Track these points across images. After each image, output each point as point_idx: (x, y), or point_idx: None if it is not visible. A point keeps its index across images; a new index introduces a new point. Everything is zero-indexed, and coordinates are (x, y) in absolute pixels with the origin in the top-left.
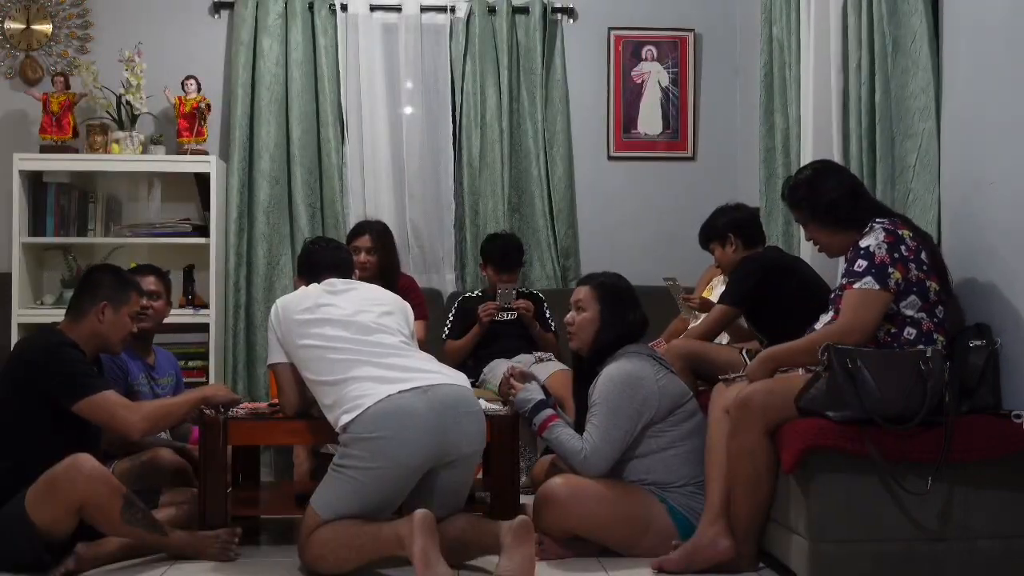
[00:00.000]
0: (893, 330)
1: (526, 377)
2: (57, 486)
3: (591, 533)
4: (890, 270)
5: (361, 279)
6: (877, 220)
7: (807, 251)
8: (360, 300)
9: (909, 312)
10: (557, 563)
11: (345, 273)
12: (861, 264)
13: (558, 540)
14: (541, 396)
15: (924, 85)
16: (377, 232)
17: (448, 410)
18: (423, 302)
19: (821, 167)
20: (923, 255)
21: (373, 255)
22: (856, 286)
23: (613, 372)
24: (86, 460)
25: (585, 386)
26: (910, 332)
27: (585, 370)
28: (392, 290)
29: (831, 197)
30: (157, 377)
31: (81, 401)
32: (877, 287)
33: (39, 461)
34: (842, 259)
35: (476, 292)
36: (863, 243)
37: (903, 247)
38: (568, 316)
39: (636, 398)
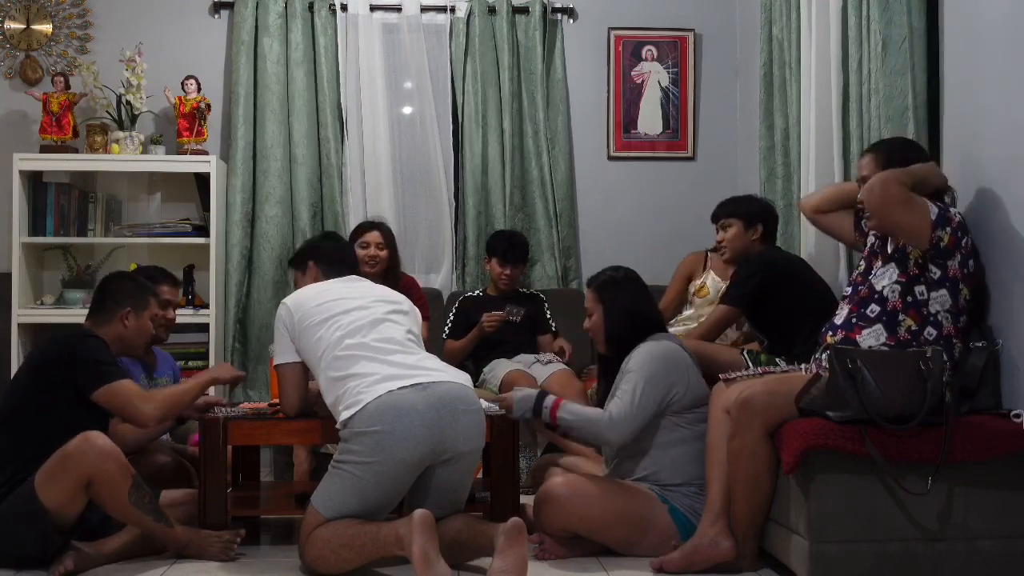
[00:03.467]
0: (914, 327)
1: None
2: (69, 460)
3: (591, 533)
4: (948, 229)
5: (369, 275)
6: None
7: (807, 252)
8: (372, 297)
9: (935, 308)
10: (557, 563)
11: (355, 272)
12: (939, 205)
13: (559, 540)
14: (535, 391)
15: (915, 85)
16: (386, 229)
17: (446, 407)
18: (425, 303)
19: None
20: (970, 262)
21: (383, 250)
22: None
23: (652, 347)
24: (98, 436)
25: (610, 377)
26: (931, 332)
27: (612, 363)
28: (394, 289)
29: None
30: (157, 377)
31: (101, 389)
32: (932, 216)
33: (50, 452)
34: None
35: (477, 292)
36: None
37: (966, 240)
38: (584, 323)
39: (671, 373)
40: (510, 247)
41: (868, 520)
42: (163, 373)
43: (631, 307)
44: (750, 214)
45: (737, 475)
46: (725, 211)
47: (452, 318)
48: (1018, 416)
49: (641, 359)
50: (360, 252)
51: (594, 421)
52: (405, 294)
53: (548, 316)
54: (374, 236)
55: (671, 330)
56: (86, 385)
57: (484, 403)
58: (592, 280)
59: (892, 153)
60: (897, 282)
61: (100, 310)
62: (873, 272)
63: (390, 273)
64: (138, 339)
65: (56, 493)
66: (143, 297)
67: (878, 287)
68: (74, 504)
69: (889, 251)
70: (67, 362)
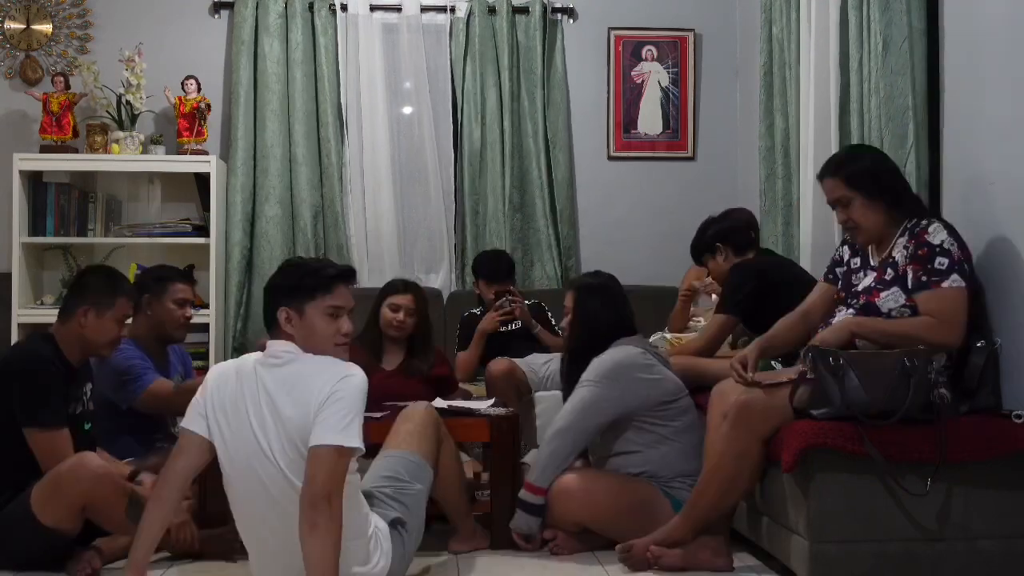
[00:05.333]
0: None
1: None
2: (62, 485)
3: (601, 526)
4: (966, 266)
5: (394, 339)
6: (933, 219)
7: (806, 252)
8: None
9: None
10: (553, 560)
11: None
12: (943, 262)
13: (571, 534)
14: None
15: (915, 85)
16: (422, 295)
17: None
18: (455, 381)
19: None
20: (966, 266)
21: (412, 317)
22: (945, 285)
23: (604, 358)
24: (92, 459)
25: (572, 384)
26: None
27: (574, 368)
28: (426, 361)
29: (883, 170)
30: (172, 376)
31: (34, 428)
32: (964, 284)
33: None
34: (898, 254)
35: (478, 309)
36: (934, 240)
37: (964, 249)
38: (563, 321)
39: (617, 388)
40: (493, 266)
41: (868, 520)
42: (174, 371)
43: (599, 318)
44: (708, 245)
45: (719, 470)
46: (695, 258)
47: (459, 334)
48: (1018, 416)
49: (592, 373)
50: (387, 314)
51: (543, 448)
52: (436, 369)
53: (552, 320)
54: (406, 300)
55: (687, 335)
56: (22, 418)
57: (484, 404)
58: (573, 282)
59: (861, 176)
60: (905, 306)
61: (66, 304)
62: (879, 296)
63: (417, 341)
64: (98, 339)
65: (52, 514)
66: (109, 297)
67: (884, 309)
68: (72, 523)
69: (888, 278)
70: (15, 391)
